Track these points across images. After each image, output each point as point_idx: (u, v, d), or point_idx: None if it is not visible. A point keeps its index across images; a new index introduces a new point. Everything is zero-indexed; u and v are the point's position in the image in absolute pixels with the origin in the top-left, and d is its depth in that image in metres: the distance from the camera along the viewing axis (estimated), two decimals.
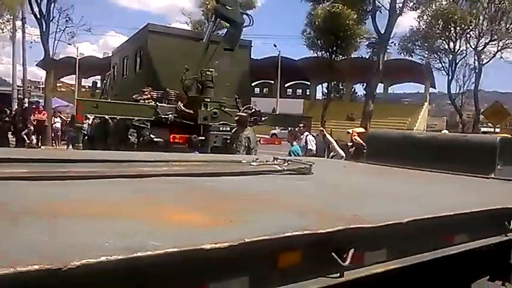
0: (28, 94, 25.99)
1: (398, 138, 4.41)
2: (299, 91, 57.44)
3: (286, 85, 54.46)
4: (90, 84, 23.90)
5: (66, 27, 18.09)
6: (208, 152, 7.48)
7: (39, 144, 14.48)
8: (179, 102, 8.46)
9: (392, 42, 25.03)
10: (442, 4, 25.60)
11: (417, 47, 27.57)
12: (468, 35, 26.67)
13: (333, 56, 24.47)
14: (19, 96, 24.68)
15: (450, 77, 27.85)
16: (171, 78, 8.90)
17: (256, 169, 2.88)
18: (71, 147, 14.11)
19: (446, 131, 11.88)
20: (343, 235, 1.29)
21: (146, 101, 8.72)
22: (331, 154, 7.72)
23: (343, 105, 41.79)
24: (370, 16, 22.36)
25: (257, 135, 9.84)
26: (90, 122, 13.19)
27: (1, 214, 1.17)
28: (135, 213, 1.32)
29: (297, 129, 8.80)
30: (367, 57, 30.01)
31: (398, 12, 21.22)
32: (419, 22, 25.99)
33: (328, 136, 8.45)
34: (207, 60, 8.73)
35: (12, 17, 26.01)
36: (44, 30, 16.65)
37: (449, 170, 3.39)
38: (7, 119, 14.58)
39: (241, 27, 8.95)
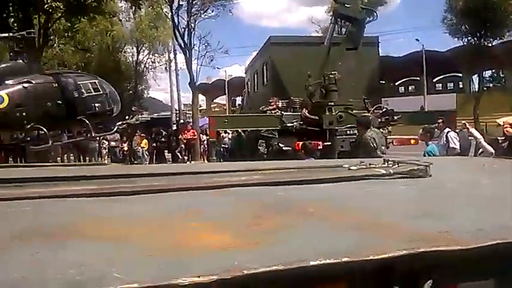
0: (184, 116, 29.27)
1: None
2: (450, 85, 52.05)
3: (434, 80, 50.02)
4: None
5: (207, 52, 19.86)
6: (335, 158, 7.15)
7: (190, 160, 16.06)
8: (304, 109, 8.37)
9: None
10: None
11: None
12: None
13: (483, 40, 21.37)
14: (177, 119, 27.99)
15: None
16: (295, 86, 8.90)
17: (354, 174, 2.53)
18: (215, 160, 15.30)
19: None
20: (412, 260, 0.93)
21: (272, 111, 8.88)
22: (479, 151, 6.59)
23: (508, 95, 36.16)
24: None
25: (399, 136, 9.10)
26: (230, 137, 14.08)
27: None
28: (142, 233, 1.17)
29: (434, 126, 7.79)
30: None
31: None
32: None
33: (473, 131, 7.27)
34: (329, 63, 8.46)
35: (167, 51, 29.94)
36: (188, 57, 18.63)
37: None
38: (163, 139, 16.63)
39: (363, 24, 8.45)
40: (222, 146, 15.40)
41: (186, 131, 16.96)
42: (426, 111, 11.86)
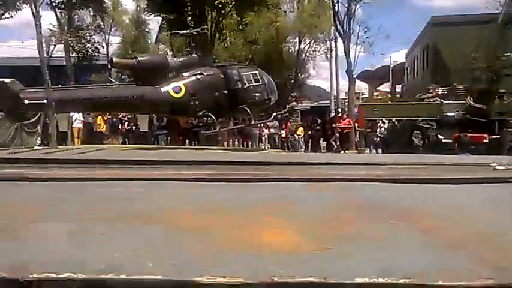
0: (342, 104, 28.99)
1: None
2: None
3: None
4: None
5: (366, 37, 19.26)
6: (504, 154, 6.22)
7: (344, 149, 15.91)
8: (468, 97, 7.48)
9: None
10: None
11: None
12: None
13: None
14: (335, 107, 27.94)
15: None
16: (458, 72, 8.01)
17: (494, 175, 2.17)
18: (367, 150, 14.83)
19: None
20: None
21: (431, 100, 8.18)
22: None
23: None
24: None
25: None
26: (386, 126, 13.45)
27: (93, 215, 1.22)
28: (218, 224, 1.15)
29: None
30: None
31: None
32: None
33: None
34: (502, 43, 7.32)
35: (327, 38, 30.03)
36: (346, 44, 18.38)
37: None
38: (318, 127, 16.86)
39: None
40: (378, 135, 14.80)
41: (341, 120, 16.85)
42: None
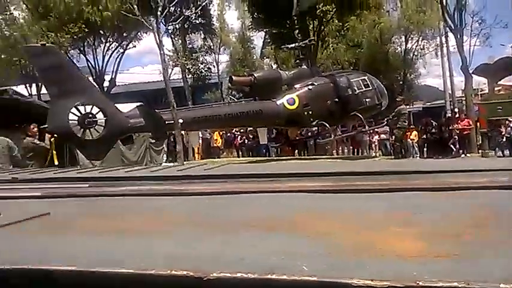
0: (459, 103, 26.53)
1: None
2: None
3: None
4: None
5: (481, 29, 17.71)
6: None
7: (465, 152, 14.70)
8: None
9: None
10: None
11: None
12: None
13: None
14: (451, 107, 25.92)
15: None
16: None
17: None
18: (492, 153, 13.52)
19: None
20: None
21: None
22: None
23: None
24: None
25: None
26: None
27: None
28: (334, 230, 1.24)
29: None
30: None
31: None
32: None
33: None
34: None
35: (437, 34, 28.23)
36: (458, 38, 17.11)
37: None
38: (434, 130, 15.81)
39: None
40: (506, 135, 13.46)
41: (459, 121, 15.69)
42: None
